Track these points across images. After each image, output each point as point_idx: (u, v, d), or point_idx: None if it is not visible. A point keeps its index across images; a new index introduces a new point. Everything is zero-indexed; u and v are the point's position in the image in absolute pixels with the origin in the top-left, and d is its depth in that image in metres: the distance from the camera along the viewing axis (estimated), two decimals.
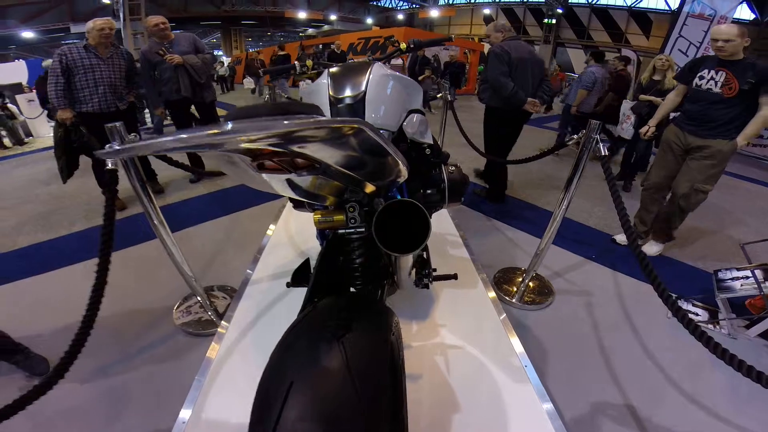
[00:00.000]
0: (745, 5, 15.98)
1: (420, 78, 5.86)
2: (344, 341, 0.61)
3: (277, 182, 0.66)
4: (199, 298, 1.75)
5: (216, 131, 0.41)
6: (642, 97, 3.52)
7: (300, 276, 1.22)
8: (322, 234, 1.29)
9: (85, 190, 3.32)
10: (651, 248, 2.54)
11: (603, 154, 1.61)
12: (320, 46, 17.41)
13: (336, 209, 0.93)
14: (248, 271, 2.04)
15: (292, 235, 2.46)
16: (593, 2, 19.86)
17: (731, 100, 2.09)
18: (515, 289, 2.07)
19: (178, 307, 1.82)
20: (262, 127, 0.42)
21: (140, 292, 1.99)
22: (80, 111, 2.61)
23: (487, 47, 18.19)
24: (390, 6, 26.78)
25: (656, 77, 3.51)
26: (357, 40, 11.74)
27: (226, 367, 1.44)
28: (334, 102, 1.11)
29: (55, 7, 15.91)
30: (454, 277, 1.43)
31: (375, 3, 26.77)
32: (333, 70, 1.24)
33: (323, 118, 0.47)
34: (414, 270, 1.37)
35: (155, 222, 1.47)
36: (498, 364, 1.51)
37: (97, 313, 1.09)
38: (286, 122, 0.44)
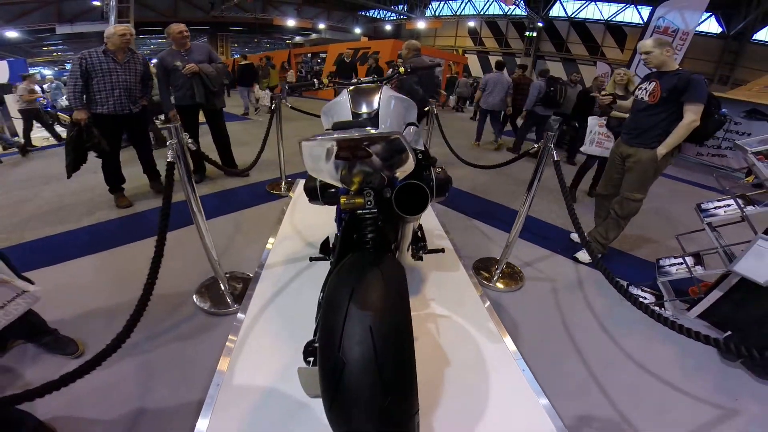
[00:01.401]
0: (713, 20, 17.04)
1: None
2: (381, 266, 0.96)
3: (338, 168, 1.03)
4: (220, 283, 1.94)
5: (348, 135, 0.85)
6: (614, 114, 3.52)
7: (323, 250, 1.62)
8: (339, 218, 1.57)
9: (88, 187, 3.44)
10: (584, 255, 2.71)
11: (555, 159, 1.94)
12: (309, 56, 17.77)
13: (356, 195, 1.20)
14: (261, 259, 2.26)
15: (300, 229, 2.69)
16: (572, 15, 20.77)
17: (654, 107, 2.27)
18: (491, 274, 2.35)
19: (197, 291, 2.00)
20: (363, 132, 0.88)
21: (160, 279, 2.18)
22: (95, 112, 2.75)
23: (469, 58, 18.72)
24: (378, 17, 27.34)
25: (618, 92, 3.57)
26: (346, 50, 12.10)
27: (252, 335, 1.66)
28: (355, 116, 1.42)
29: (41, 8, 15.75)
30: (442, 251, 1.78)
31: (363, 13, 27.28)
32: (351, 90, 1.56)
33: (386, 131, 0.91)
34: (411, 247, 1.67)
35: (194, 209, 1.69)
36: (477, 329, 1.84)
37: (153, 288, 1.33)
38: (372, 131, 0.88)
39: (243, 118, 8.13)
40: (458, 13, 24.95)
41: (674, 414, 1.57)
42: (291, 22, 22.69)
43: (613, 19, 19.71)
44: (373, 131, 0.89)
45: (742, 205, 1.99)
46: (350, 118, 1.42)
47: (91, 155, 2.88)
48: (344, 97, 1.55)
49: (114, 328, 1.69)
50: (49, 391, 0.88)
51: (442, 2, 25.13)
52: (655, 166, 2.34)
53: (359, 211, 1.22)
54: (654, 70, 2.35)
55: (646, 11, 16.71)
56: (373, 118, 1.42)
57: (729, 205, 2.08)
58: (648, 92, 2.32)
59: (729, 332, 1.94)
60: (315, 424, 1.31)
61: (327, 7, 24.66)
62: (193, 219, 1.75)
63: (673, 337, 1.96)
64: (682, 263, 2.27)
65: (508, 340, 1.80)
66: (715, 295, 2.08)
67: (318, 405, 1.32)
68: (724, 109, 4.44)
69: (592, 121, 3.73)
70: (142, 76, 2.97)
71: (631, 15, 18.97)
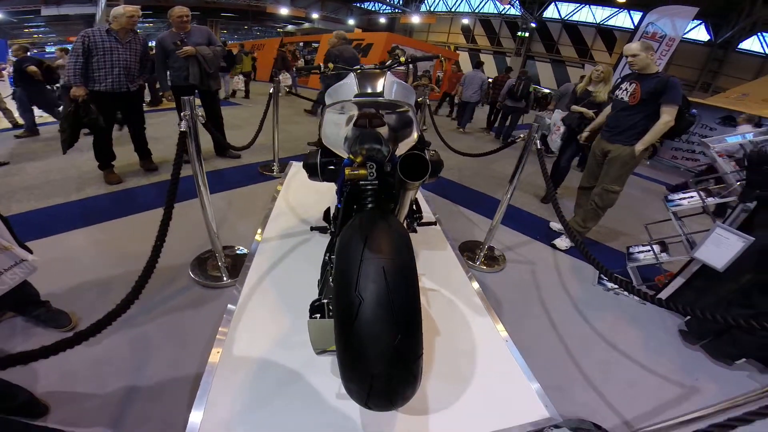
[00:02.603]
0: (702, 27, 17.50)
1: (416, 84, 6.31)
2: (388, 220, 1.10)
3: (349, 139, 1.18)
4: (217, 256, 2.00)
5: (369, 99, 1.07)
6: (574, 108, 3.58)
7: (325, 220, 1.76)
8: (341, 190, 1.66)
9: (75, 165, 3.40)
10: (562, 243, 2.90)
11: (538, 147, 2.06)
12: (301, 44, 17.60)
13: (360, 166, 1.31)
14: (257, 234, 2.34)
15: (294, 206, 2.77)
16: (566, 18, 21.05)
17: (634, 107, 2.44)
18: (475, 255, 2.49)
19: (192, 264, 2.05)
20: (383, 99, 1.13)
21: (147, 252, 2.19)
22: (92, 89, 2.76)
23: (460, 55, 18.83)
24: (373, 9, 27.17)
25: (590, 88, 3.61)
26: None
27: (250, 305, 1.74)
28: (362, 96, 1.50)
29: None
30: (435, 223, 1.89)
31: (358, 5, 27.08)
32: (357, 74, 1.65)
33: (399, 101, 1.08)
34: (406, 220, 1.78)
35: (200, 183, 1.74)
36: (463, 302, 1.99)
37: (158, 258, 1.32)
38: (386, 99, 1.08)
39: (229, 102, 8.13)
40: (453, 10, 25.00)
41: (641, 389, 1.71)
42: (285, 11, 22.39)
43: (605, 23, 20.05)
44: (387, 98, 1.07)
45: (704, 197, 2.16)
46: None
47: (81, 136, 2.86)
48: (350, 79, 1.63)
49: (108, 300, 1.76)
50: (44, 355, 0.82)
51: None
52: (634, 161, 2.52)
53: (362, 182, 1.32)
54: (635, 71, 2.49)
55: (638, 16, 17.06)
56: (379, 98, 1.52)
57: (692, 197, 2.24)
58: (629, 93, 2.47)
59: (689, 317, 2.10)
60: (315, 390, 1.37)
61: None
62: (197, 192, 1.79)
63: (639, 321, 2.16)
64: (649, 250, 2.44)
65: (492, 314, 1.94)
66: (678, 281, 2.25)
67: (319, 367, 1.44)
68: (694, 110, 4.68)
69: (556, 115, 3.75)
70: (141, 56, 2.99)
71: (623, 20, 19.29)
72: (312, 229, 1.87)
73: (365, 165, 1.34)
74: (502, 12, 22.47)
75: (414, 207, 1.86)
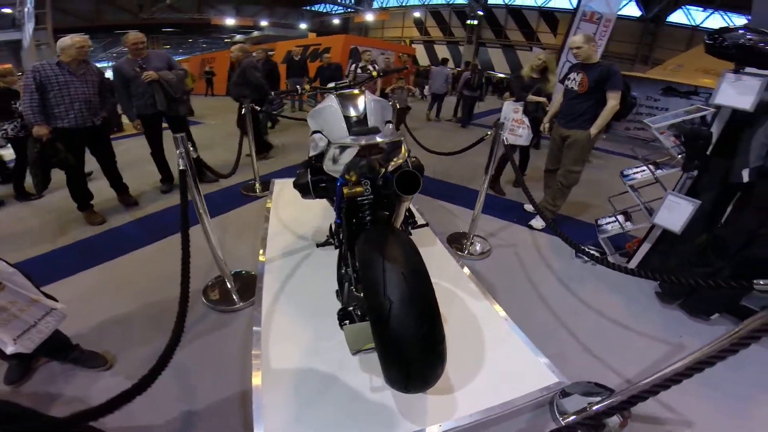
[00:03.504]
0: (634, 3, 18.64)
1: (392, 87, 6.33)
2: (396, 233, 1.29)
3: (353, 163, 1.32)
4: (227, 281, 2.09)
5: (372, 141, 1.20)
6: (530, 98, 3.63)
7: (331, 236, 1.92)
8: (338, 206, 1.78)
9: (51, 208, 3.32)
10: (538, 223, 3.19)
11: (507, 143, 2.30)
12: (253, 54, 17.27)
13: (355, 184, 1.46)
14: (259, 255, 2.42)
15: (288, 224, 2.86)
16: (509, 3, 21.79)
17: (584, 95, 2.74)
18: (463, 246, 2.71)
19: (204, 291, 2.12)
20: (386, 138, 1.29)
21: (163, 285, 2.23)
22: (56, 127, 2.66)
23: (416, 49, 19.06)
24: (325, 11, 26.98)
25: (534, 75, 3.66)
26: (295, 47, 11.90)
27: (274, 322, 1.86)
28: (348, 119, 1.65)
29: None
30: (426, 225, 2.07)
31: (309, 8, 26.79)
32: (338, 95, 1.80)
33: (395, 138, 1.31)
34: (402, 226, 1.95)
35: (200, 211, 1.81)
36: (463, 291, 2.18)
37: (188, 292, 1.47)
38: (387, 138, 1.29)
39: (191, 121, 8.00)
40: (404, 4, 25.30)
41: (634, 350, 1.94)
42: (230, 21, 21.84)
43: (546, 5, 20.93)
44: (385, 139, 1.24)
45: (653, 170, 2.46)
46: (342, 122, 1.64)
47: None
48: (333, 102, 1.77)
49: (134, 337, 1.86)
50: (113, 408, 0.91)
51: None
52: (590, 143, 2.82)
53: (359, 198, 1.47)
54: (580, 62, 2.79)
55: None
56: (363, 120, 1.66)
57: (644, 171, 2.54)
58: (577, 82, 2.76)
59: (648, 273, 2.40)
60: (352, 387, 1.52)
61: (268, 4, 23.91)
62: (199, 220, 1.86)
63: (618, 288, 2.43)
64: (615, 221, 2.73)
65: (489, 297, 2.14)
66: (645, 247, 2.55)
67: (350, 367, 1.60)
68: (634, 93, 5.14)
69: (507, 107, 3.67)
70: (99, 87, 2.91)
71: (562, 2, 20.15)
72: (318, 246, 2.01)
73: (360, 183, 1.50)
74: (450, 2, 22.94)
75: (407, 214, 2.05)
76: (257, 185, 3.75)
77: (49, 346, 1.38)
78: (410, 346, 1.04)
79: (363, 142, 1.20)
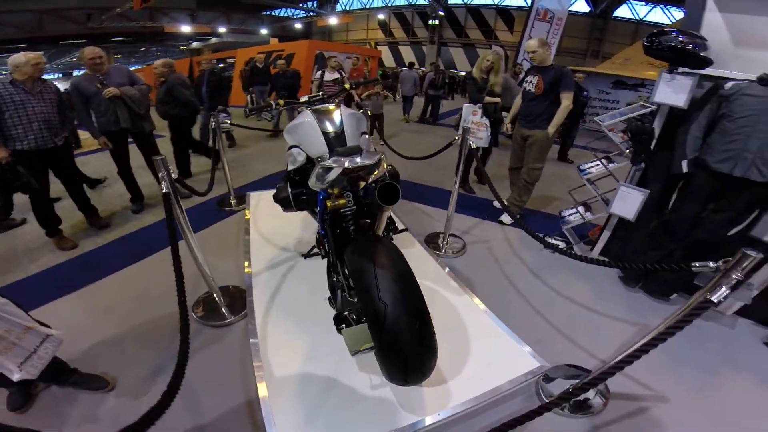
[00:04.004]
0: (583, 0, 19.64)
1: (368, 94, 6.20)
2: (382, 242, 1.40)
3: (336, 180, 1.38)
4: (215, 296, 2.10)
5: (356, 164, 1.28)
6: (487, 99, 3.67)
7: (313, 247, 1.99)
8: (322, 218, 1.83)
9: (15, 235, 3.17)
10: (507, 218, 3.37)
11: (473, 147, 2.44)
12: (214, 61, 16.79)
13: (338, 197, 1.56)
14: (245, 269, 2.44)
15: (269, 237, 2.88)
16: (468, 2, 22.37)
17: (540, 97, 2.94)
18: (439, 245, 2.84)
19: (193, 308, 2.13)
20: (367, 160, 1.32)
21: (152, 304, 2.21)
22: (15, 149, 2.53)
23: (382, 51, 19.20)
24: (286, 15, 26.60)
25: (484, 76, 3.69)
26: (257, 54, 11.68)
27: (270, 333, 1.92)
28: (326, 134, 1.72)
29: None
30: (405, 230, 2.17)
31: (268, 13, 26.32)
32: (313, 110, 1.87)
33: (373, 154, 1.37)
34: (384, 232, 2.06)
35: (184, 228, 1.82)
36: (442, 287, 2.30)
37: (187, 310, 1.48)
38: (361, 159, 1.33)
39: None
40: (368, 6, 25.41)
41: (605, 333, 2.13)
42: (185, 28, 21.13)
43: (502, 3, 21.63)
44: (368, 161, 1.32)
45: (606, 164, 2.69)
46: (321, 137, 1.72)
47: None
48: (309, 118, 1.83)
49: (128, 357, 1.89)
50: (151, 422, 1.01)
51: None
52: (549, 141, 3.03)
53: (342, 210, 1.55)
54: (535, 65, 2.99)
55: None
56: (341, 135, 1.74)
57: (598, 165, 2.77)
58: (534, 85, 2.96)
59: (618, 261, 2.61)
60: (353, 387, 1.62)
61: (226, 10, 23.31)
62: (183, 237, 1.87)
63: (585, 275, 2.62)
64: (576, 212, 2.95)
65: (468, 292, 2.28)
66: (606, 235, 2.78)
67: (349, 368, 1.69)
68: (585, 92, 5.52)
69: (466, 110, 3.63)
70: (58, 105, 2.79)
71: None
72: (304, 256, 2.06)
73: (343, 195, 1.59)
74: (412, 3, 23.27)
75: (388, 220, 2.14)
76: (232, 199, 3.71)
77: (48, 371, 1.39)
78: (406, 343, 1.16)
79: (347, 165, 1.29)
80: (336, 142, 1.71)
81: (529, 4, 11.24)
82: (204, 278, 2.03)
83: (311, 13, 25.06)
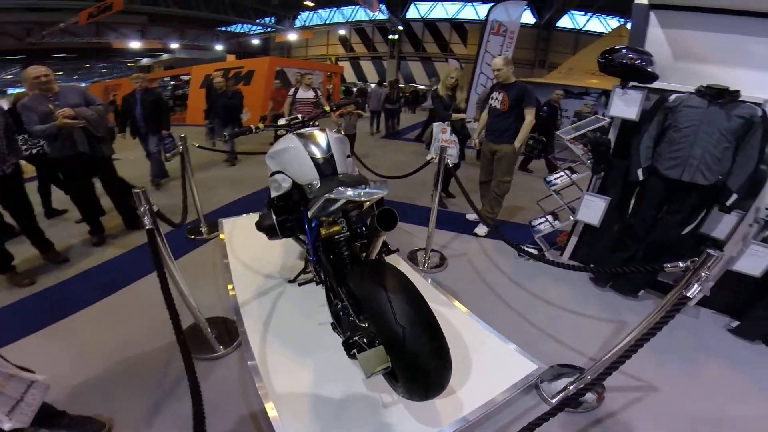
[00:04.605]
0: (528, 11, 20.90)
1: (340, 113, 6.08)
2: (388, 267, 1.46)
3: (334, 209, 1.42)
4: (202, 328, 2.00)
5: (369, 196, 1.29)
6: (454, 116, 3.78)
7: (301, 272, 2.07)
8: (314, 245, 1.84)
9: None
10: (481, 230, 3.53)
11: (451, 164, 2.54)
12: (166, 79, 16.19)
13: (332, 224, 1.58)
14: (230, 300, 2.37)
15: (249, 264, 2.80)
16: (425, 16, 23.17)
17: (506, 113, 3.12)
18: (423, 261, 2.91)
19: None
20: (379, 191, 1.39)
21: (134, 341, 2.08)
22: None
23: (343, 66, 19.32)
24: (242, 31, 26.19)
25: (450, 93, 3.78)
26: (214, 71, 11.36)
27: (271, 362, 1.88)
28: (315, 159, 1.73)
29: None
30: (397, 251, 2.21)
31: (224, 29, 25.81)
32: (299, 135, 1.86)
33: (381, 189, 1.41)
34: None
35: (166, 258, 1.70)
36: (432, 301, 2.28)
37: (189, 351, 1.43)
38: (386, 189, 1.41)
39: None
40: (328, 22, 25.58)
41: (587, 331, 2.27)
42: (135, 44, 20.30)
43: (456, 17, 22.60)
44: (381, 192, 1.38)
45: (570, 174, 2.90)
46: (310, 163, 1.73)
47: None
48: (294, 143, 1.82)
49: (118, 396, 1.78)
50: None
51: (312, 12, 25.34)
52: (516, 155, 3.21)
53: (336, 236, 1.56)
54: (500, 82, 3.17)
55: (480, 7, 19.74)
56: (330, 160, 1.76)
57: (563, 176, 2.97)
58: (499, 101, 3.14)
59: (591, 265, 2.78)
60: (366, 404, 1.64)
61: (179, 25, 22.61)
62: (166, 271, 1.77)
63: (560, 278, 2.77)
64: (546, 221, 3.13)
65: (460, 305, 2.35)
66: (574, 240, 2.96)
67: (359, 388, 1.71)
68: (545, 107, 5.93)
69: (435, 128, 3.81)
70: (5, 129, 2.57)
71: (470, 12, 21.99)
72: (296, 283, 2.05)
73: (336, 222, 1.60)
74: (373, 18, 23.77)
75: (380, 243, 2.18)
76: (203, 227, 3.54)
77: (36, 416, 1.29)
78: (427, 361, 1.22)
79: (363, 198, 1.35)
80: (326, 168, 1.72)
81: (481, 17, 11.86)
82: (190, 311, 1.94)
83: (269, 29, 24.87)
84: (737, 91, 2.01)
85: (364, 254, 1.71)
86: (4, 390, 1.15)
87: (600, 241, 2.76)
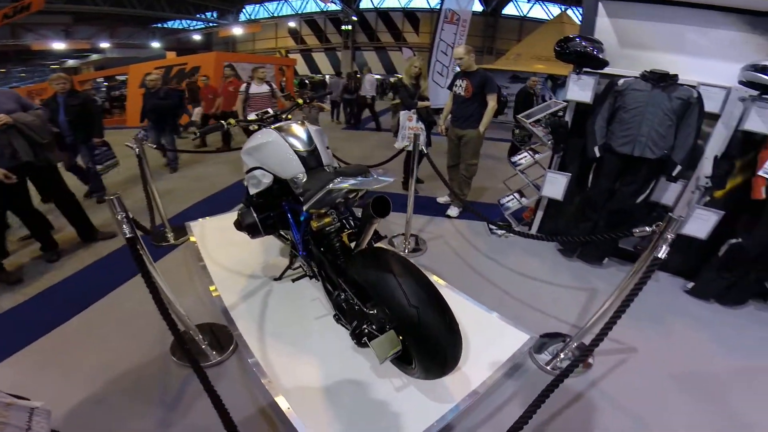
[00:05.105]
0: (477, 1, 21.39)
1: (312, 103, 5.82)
2: (387, 251, 1.44)
3: (328, 199, 1.43)
4: (194, 336, 1.94)
5: (379, 183, 1.31)
6: (420, 104, 3.82)
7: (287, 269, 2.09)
8: (302, 239, 1.85)
9: None
10: (453, 212, 3.68)
11: (425, 152, 2.63)
12: (99, 80, 14.92)
13: (323, 216, 1.59)
14: (217, 304, 2.29)
15: (228, 265, 2.72)
16: (378, 6, 23.02)
17: (469, 99, 3.27)
18: (403, 246, 2.99)
19: (173, 352, 1.96)
20: (379, 181, 1.41)
21: (123, 358, 1.98)
22: None
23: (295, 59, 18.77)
24: (181, 27, 24.55)
25: (414, 82, 3.82)
26: (154, 70, 10.53)
27: (275, 362, 1.85)
28: (299, 153, 1.72)
29: None
30: (385, 236, 2.25)
31: (160, 25, 24.05)
32: (278, 128, 1.83)
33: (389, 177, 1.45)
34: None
35: (149, 265, 1.61)
36: None
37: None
38: (391, 177, 1.45)
39: None
40: (276, 15, 24.64)
41: (565, 300, 2.45)
42: (58, 45, 18.45)
43: (408, 6, 22.68)
44: (388, 179, 1.42)
45: (533, 155, 3.09)
46: (294, 156, 1.71)
47: None
48: (273, 137, 1.79)
49: (122, 414, 1.71)
50: None
51: (258, 5, 24.24)
52: (481, 139, 3.36)
53: (327, 228, 1.58)
54: (463, 70, 3.29)
55: None
56: (314, 152, 1.76)
57: (526, 156, 3.17)
58: (463, 89, 3.26)
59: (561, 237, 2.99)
60: (377, 387, 1.68)
61: (109, 25, 20.78)
62: (154, 281, 1.68)
63: (530, 251, 2.96)
64: (513, 198, 3.33)
65: (450, 287, 2.45)
66: (540, 215, 3.16)
67: (367, 373, 1.75)
68: (505, 92, 6.18)
69: (402, 116, 3.84)
70: None
71: (421, 1, 22.32)
72: (294, 280, 2.09)
73: (327, 214, 1.62)
74: (325, 9, 23.20)
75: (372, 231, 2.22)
76: (169, 233, 3.36)
77: None
78: (444, 337, 1.28)
79: (374, 186, 1.39)
80: (311, 160, 1.72)
81: (432, 6, 11.99)
82: (179, 320, 1.85)
83: (212, 24, 23.55)
84: (676, 75, 2.26)
85: (353, 243, 1.72)
86: (9, 420, 1.07)
87: (564, 214, 2.99)
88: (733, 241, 2.26)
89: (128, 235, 1.49)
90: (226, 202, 4.03)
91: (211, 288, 2.43)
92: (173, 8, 19.96)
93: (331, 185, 1.38)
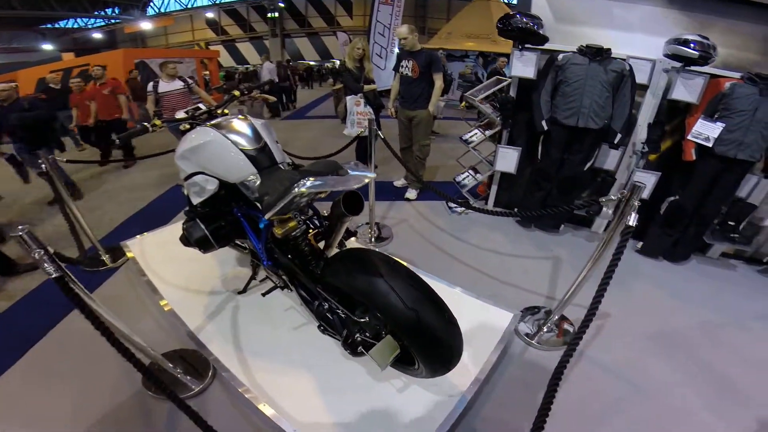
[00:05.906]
0: None
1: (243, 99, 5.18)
2: (368, 251, 1.37)
3: (292, 202, 1.28)
4: (165, 367, 1.74)
5: (350, 178, 1.15)
6: (366, 88, 3.65)
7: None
8: (265, 247, 1.68)
9: None
10: (411, 194, 3.71)
11: (382, 136, 2.55)
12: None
13: (286, 221, 1.45)
14: (181, 328, 2.08)
15: (179, 284, 2.46)
16: None
17: (417, 79, 3.23)
18: (369, 235, 2.93)
19: (146, 387, 1.75)
20: (359, 179, 1.22)
21: (91, 398, 1.75)
22: None
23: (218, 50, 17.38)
24: (76, 26, 21.52)
25: (357, 65, 3.64)
26: (50, 73, 9.03)
27: (261, 380, 1.73)
28: (247, 152, 1.53)
29: None
30: (355, 234, 2.14)
31: (50, 26, 20.88)
32: (215, 125, 1.63)
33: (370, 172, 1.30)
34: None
35: (90, 303, 1.34)
36: None
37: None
38: (361, 175, 1.26)
39: None
40: (189, 6, 22.50)
41: (533, 272, 2.53)
42: None
43: None
44: (371, 174, 1.29)
45: (483, 131, 3.15)
46: (242, 156, 1.53)
47: None
48: (213, 136, 1.57)
49: None
50: None
51: None
52: (431, 118, 3.36)
53: (292, 233, 1.46)
54: (407, 50, 3.23)
55: None
56: (265, 149, 1.58)
57: (476, 133, 3.23)
58: (410, 69, 3.21)
59: (516, 209, 3.08)
60: (378, 393, 1.63)
61: None
62: (96, 314, 1.44)
63: (491, 226, 3.02)
64: (468, 175, 3.40)
65: (430, 275, 2.34)
66: (494, 189, 3.26)
67: (364, 379, 1.69)
68: (450, 71, 6.24)
69: (349, 102, 3.68)
70: None
71: None
72: (264, 294, 1.91)
73: (292, 217, 1.49)
74: None
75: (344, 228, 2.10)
76: (103, 255, 2.95)
77: None
78: (445, 334, 1.23)
79: (354, 184, 1.24)
80: (263, 159, 1.55)
81: None
82: (143, 353, 1.63)
83: (114, 21, 20.96)
84: (609, 50, 2.40)
85: (322, 243, 1.62)
86: None
87: (517, 185, 3.11)
88: (671, 198, 2.50)
89: (54, 275, 1.21)
90: (161, 214, 3.61)
91: (166, 306, 2.20)
92: (64, 6, 17.41)
93: (296, 189, 1.20)
